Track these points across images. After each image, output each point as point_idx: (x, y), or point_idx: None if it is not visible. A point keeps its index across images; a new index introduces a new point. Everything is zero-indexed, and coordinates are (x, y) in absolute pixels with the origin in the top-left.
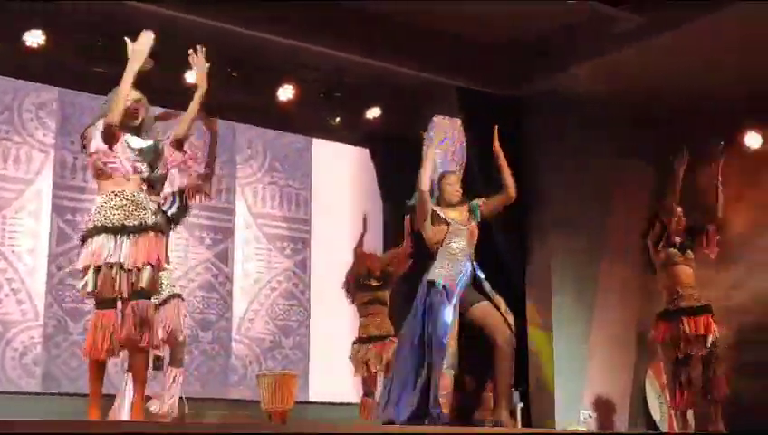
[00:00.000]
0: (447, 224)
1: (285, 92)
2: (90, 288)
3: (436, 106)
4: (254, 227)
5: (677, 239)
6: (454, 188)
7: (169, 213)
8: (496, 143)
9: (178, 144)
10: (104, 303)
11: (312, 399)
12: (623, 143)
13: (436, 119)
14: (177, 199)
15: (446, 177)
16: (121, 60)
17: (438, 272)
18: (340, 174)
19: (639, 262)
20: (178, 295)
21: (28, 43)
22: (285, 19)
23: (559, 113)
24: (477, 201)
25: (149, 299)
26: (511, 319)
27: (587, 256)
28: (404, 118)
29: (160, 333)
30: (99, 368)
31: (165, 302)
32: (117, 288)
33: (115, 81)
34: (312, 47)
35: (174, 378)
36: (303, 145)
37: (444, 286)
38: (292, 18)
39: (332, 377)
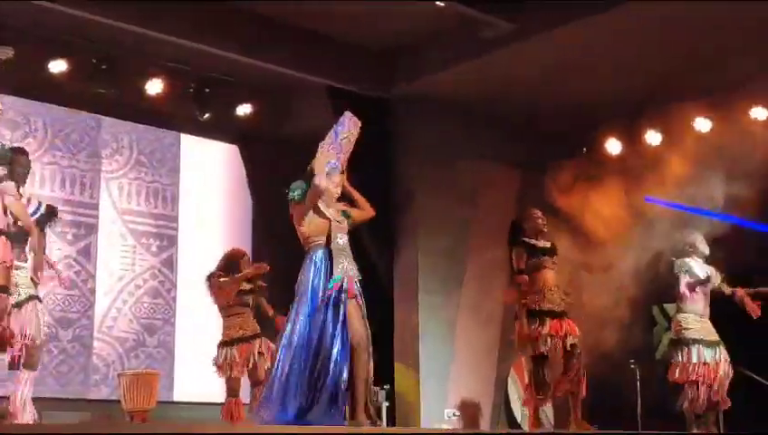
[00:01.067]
0: (329, 220)
1: (154, 87)
2: None
3: (307, 105)
4: (119, 223)
5: (541, 243)
6: (338, 188)
7: (35, 218)
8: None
9: None
10: None
11: (176, 399)
12: (489, 146)
13: (348, 114)
14: (42, 205)
15: (332, 175)
16: None
17: (340, 268)
18: (209, 171)
19: (505, 263)
20: (36, 297)
21: None
22: (157, 14)
23: (427, 115)
24: (345, 209)
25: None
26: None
27: (453, 256)
28: (275, 116)
29: (17, 335)
30: None
31: (23, 303)
32: None
33: None
34: (181, 42)
35: (26, 380)
36: (172, 140)
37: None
38: (164, 13)
39: (198, 376)
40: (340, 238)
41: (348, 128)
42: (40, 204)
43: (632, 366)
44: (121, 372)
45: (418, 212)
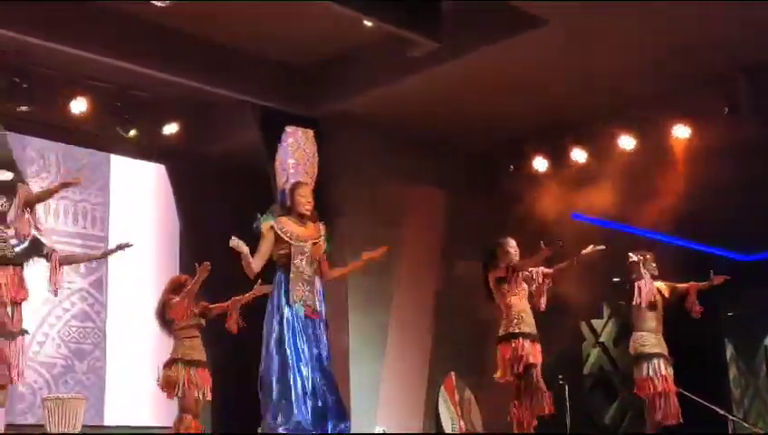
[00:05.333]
0: (289, 244)
1: (78, 105)
2: None
3: (233, 123)
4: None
5: (515, 271)
6: (306, 199)
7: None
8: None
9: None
10: None
11: (107, 423)
12: (415, 166)
13: (290, 129)
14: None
15: (298, 187)
16: None
17: (296, 295)
18: (139, 189)
19: (433, 281)
20: (26, 332)
21: None
22: (77, 30)
23: (353, 135)
24: (327, 232)
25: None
26: None
27: (382, 276)
28: (202, 134)
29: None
30: None
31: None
32: None
33: None
34: (105, 60)
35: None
36: (101, 158)
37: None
38: (90, 31)
39: (129, 401)
40: (300, 260)
41: (293, 140)
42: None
43: (561, 382)
44: (46, 397)
45: (346, 233)
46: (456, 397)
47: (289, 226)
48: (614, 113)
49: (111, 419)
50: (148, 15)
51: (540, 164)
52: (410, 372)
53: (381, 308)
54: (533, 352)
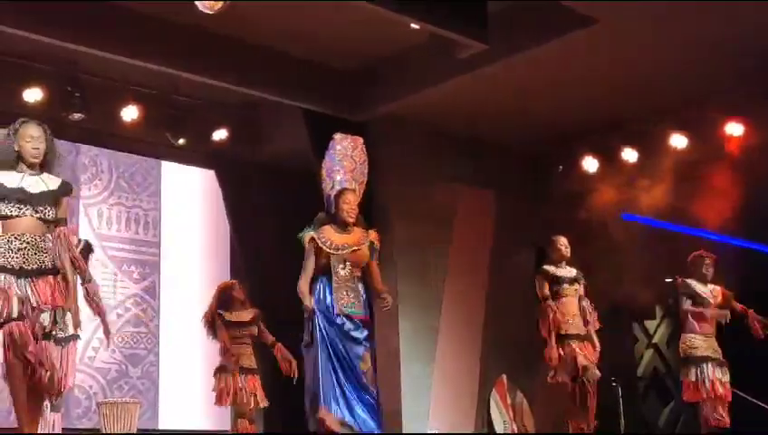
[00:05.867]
0: (328, 256)
1: (129, 113)
2: None
3: (282, 128)
4: (99, 250)
5: (561, 271)
6: (350, 206)
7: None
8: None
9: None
10: None
11: (161, 427)
12: (464, 168)
13: (338, 136)
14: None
15: (343, 194)
16: None
17: (340, 304)
18: (190, 194)
19: (482, 283)
20: (77, 337)
21: None
22: (129, 40)
23: (403, 138)
24: (375, 241)
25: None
26: None
27: (432, 279)
28: (250, 139)
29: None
30: None
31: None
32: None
33: None
34: (157, 68)
35: (54, 423)
36: (152, 163)
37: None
38: (139, 39)
39: (183, 405)
40: (342, 270)
41: (341, 147)
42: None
43: (614, 384)
44: (101, 402)
45: (396, 236)
46: (508, 399)
47: (330, 234)
48: (665, 112)
49: (166, 423)
50: (196, 22)
51: (589, 164)
52: (461, 374)
53: (431, 310)
54: (584, 354)
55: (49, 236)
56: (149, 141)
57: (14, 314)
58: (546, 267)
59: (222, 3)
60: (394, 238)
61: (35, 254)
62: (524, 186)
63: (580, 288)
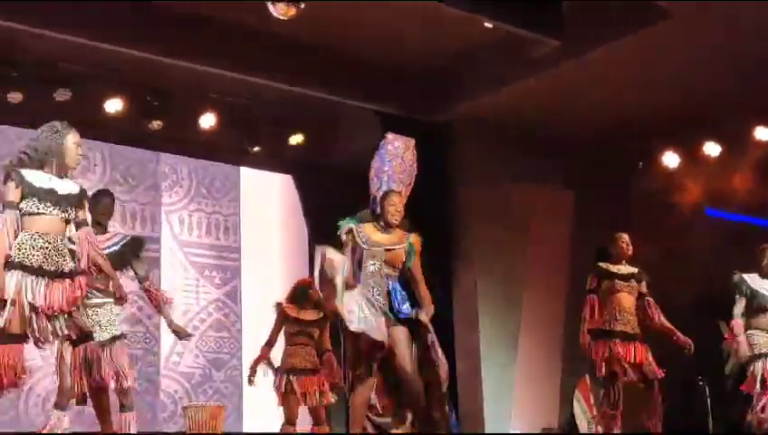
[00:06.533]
0: (362, 248)
1: (207, 120)
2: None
3: (358, 132)
4: (180, 255)
5: (618, 268)
6: (396, 208)
7: (120, 250)
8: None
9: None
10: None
11: (245, 430)
12: (543, 168)
13: (389, 136)
14: (124, 238)
15: (388, 196)
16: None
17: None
18: (269, 199)
19: (564, 284)
20: (122, 336)
21: None
22: (208, 48)
23: (480, 139)
24: (415, 243)
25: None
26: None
27: (512, 279)
28: (327, 144)
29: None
30: None
31: (106, 344)
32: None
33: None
34: (232, 75)
35: (129, 423)
36: (231, 169)
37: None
38: (216, 47)
39: (267, 409)
40: (372, 265)
41: (391, 148)
42: (125, 236)
43: (701, 383)
44: (187, 405)
45: (475, 237)
46: (591, 399)
47: (369, 230)
48: (747, 104)
49: (250, 426)
50: (271, 28)
51: (671, 160)
52: (543, 373)
53: (512, 311)
54: (632, 353)
55: (67, 239)
56: (227, 148)
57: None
58: (599, 264)
59: (296, 8)
60: (473, 239)
61: (55, 256)
62: (604, 184)
63: (639, 286)
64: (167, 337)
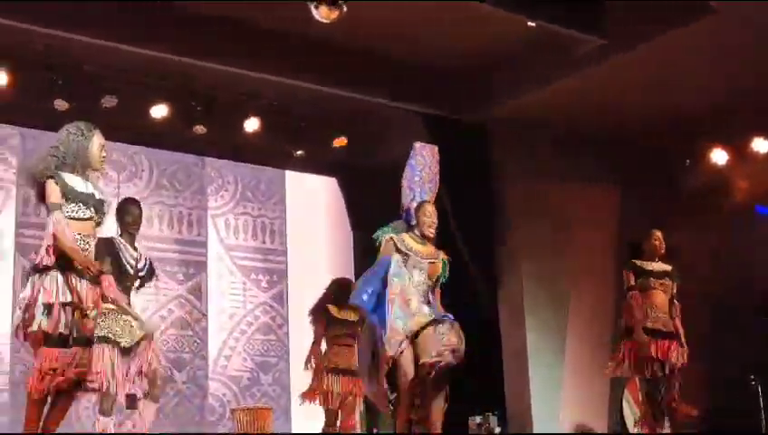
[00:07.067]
0: (407, 257)
1: (251, 124)
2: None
3: (400, 133)
4: (227, 259)
5: (651, 265)
6: (431, 220)
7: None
8: None
9: None
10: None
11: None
12: (587, 166)
13: (418, 145)
14: (148, 263)
15: (423, 207)
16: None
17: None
18: (314, 202)
19: (610, 282)
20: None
21: None
22: (251, 53)
23: (523, 138)
24: (447, 260)
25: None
26: None
27: (558, 279)
28: (370, 146)
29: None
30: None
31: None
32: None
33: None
34: (275, 79)
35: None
36: (276, 172)
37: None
38: (259, 52)
39: (315, 411)
40: (417, 276)
41: (421, 157)
42: (147, 261)
43: (753, 383)
44: (235, 408)
45: (520, 236)
46: (641, 398)
47: (408, 241)
48: None
49: (298, 428)
50: (312, 32)
51: (718, 156)
52: (592, 373)
53: (558, 310)
54: (664, 351)
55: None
56: (271, 152)
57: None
58: (633, 260)
59: (338, 11)
60: (518, 238)
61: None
62: (651, 181)
63: (672, 286)
64: (214, 340)
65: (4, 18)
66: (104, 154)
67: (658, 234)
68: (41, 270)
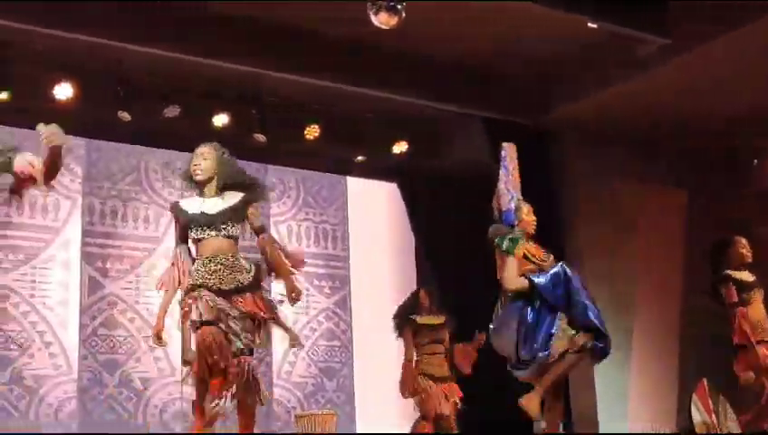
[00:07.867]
0: (535, 265)
1: (311, 131)
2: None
3: (460, 138)
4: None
5: (746, 276)
6: (531, 217)
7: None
8: None
9: None
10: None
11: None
12: (650, 169)
13: (506, 145)
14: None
15: (524, 205)
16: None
17: None
18: (375, 207)
19: (676, 283)
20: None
21: (58, 97)
22: (308, 60)
23: (584, 141)
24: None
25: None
26: None
27: (622, 283)
28: (430, 152)
29: None
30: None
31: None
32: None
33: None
34: (335, 86)
35: None
36: (337, 178)
37: None
38: (316, 60)
39: (381, 416)
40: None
41: (510, 157)
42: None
43: None
44: (299, 414)
45: (584, 238)
46: (710, 404)
47: (529, 248)
48: None
49: None
50: (371, 39)
51: None
52: (659, 376)
53: (624, 312)
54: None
55: (239, 253)
56: (332, 158)
57: (206, 317)
58: (729, 272)
59: (398, 17)
60: (582, 240)
61: (230, 274)
62: (718, 183)
63: (762, 293)
64: (278, 347)
65: (72, 33)
66: (196, 163)
67: (744, 241)
68: None
